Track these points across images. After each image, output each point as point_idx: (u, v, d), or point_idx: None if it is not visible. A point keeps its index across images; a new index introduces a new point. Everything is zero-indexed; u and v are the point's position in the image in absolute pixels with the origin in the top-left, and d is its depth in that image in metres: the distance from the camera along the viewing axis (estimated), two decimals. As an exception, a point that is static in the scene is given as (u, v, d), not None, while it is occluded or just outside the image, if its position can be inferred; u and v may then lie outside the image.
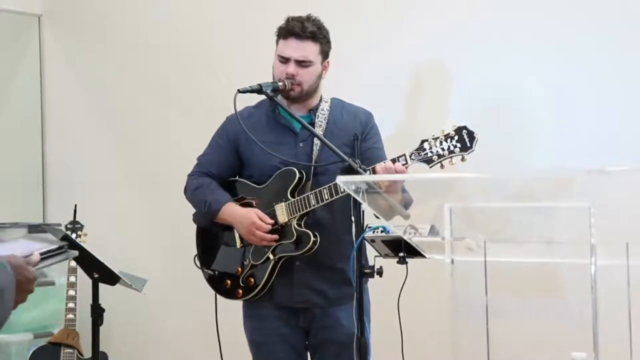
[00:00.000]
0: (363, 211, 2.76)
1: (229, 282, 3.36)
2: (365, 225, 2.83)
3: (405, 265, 2.82)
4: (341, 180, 2.68)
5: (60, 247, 2.37)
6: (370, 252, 3.03)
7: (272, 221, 3.25)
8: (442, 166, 2.98)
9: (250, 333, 3.40)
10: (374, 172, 3.02)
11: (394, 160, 3.04)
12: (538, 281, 2.80)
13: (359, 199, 2.61)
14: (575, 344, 2.25)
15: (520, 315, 2.43)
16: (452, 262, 2.44)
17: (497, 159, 3.79)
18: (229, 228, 3.36)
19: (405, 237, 2.67)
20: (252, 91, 3.19)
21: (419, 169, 3.04)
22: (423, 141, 3.02)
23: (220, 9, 4.77)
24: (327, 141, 3.15)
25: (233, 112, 3.14)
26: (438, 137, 2.99)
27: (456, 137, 2.96)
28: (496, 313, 2.40)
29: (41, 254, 2.30)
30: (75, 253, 2.51)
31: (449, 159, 2.98)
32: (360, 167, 3.00)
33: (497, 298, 2.41)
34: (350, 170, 2.99)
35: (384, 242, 2.81)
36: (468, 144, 2.95)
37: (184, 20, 4.91)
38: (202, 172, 3.41)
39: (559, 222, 2.33)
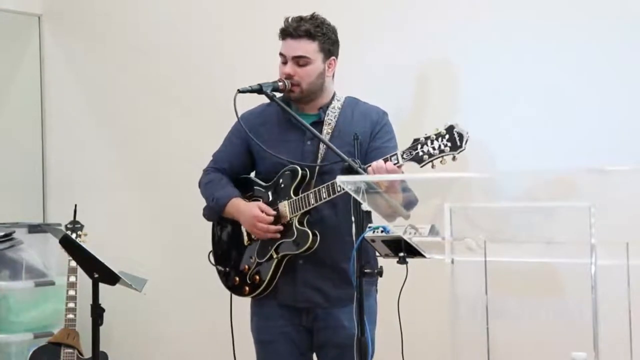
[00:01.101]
0: (367, 212, 2.76)
1: (237, 279, 3.39)
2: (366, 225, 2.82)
3: (405, 265, 2.81)
4: (341, 180, 2.68)
5: (6, 235, 2.38)
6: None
7: (274, 212, 3.26)
8: (432, 165, 2.98)
9: (255, 331, 3.42)
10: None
11: (386, 160, 3.04)
12: (538, 281, 2.80)
13: (358, 198, 2.61)
14: (575, 343, 2.25)
15: (520, 315, 2.43)
16: (452, 262, 2.44)
17: (497, 159, 3.79)
18: (238, 225, 3.39)
19: (405, 237, 2.66)
20: (252, 91, 3.21)
21: (411, 168, 3.04)
22: (415, 140, 3.01)
23: (221, 8, 4.77)
24: (326, 140, 3.17)
25: (238, 112, 3.17)
26: (430, 136, 2.99)
27: (447, 136, 2.95)
28: (496, 313, 2.40)
29: None
30: (22, 242, 2.51)
31: (440, 158, 2.97)
32: (360, 167, 3.00)
33: (497, 298, 2.40)
34: (350, 170, 2.99)
35: (384, 242, 2.80)
36: (458, 143, 2.94)
37: (184, 20, 4.91)
38: (216, 167, 3.47)
39: (559, 222, 2.32)
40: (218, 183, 3.41)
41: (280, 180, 3.30)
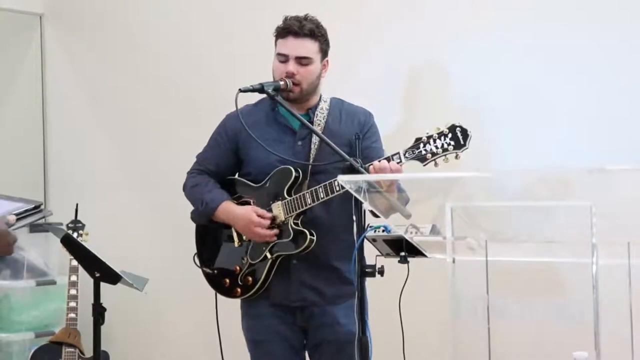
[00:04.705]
0: (364, 211, 2.77)
1: (227, 280, 3.36)
2: (366, 225, 2.83)
3: (406, 265, 2.82)
4: (343, 179, 2.69)
5: (36, 207, 2.34)
6: (368, 251, 3.02)
7: (270, 215, 3.25)
8: (436, 164, 2.99)
9: (247, 331, 3.40)
10: (367, 171, 3.02)
11: (388, 159, 3.05)
12: (539, 281, 2.80)
13: (360, 198, 2.62)
14: (576, 343, 2.25)
15: (522, 314, 2.44)
16: (454, 261, 2.44)
17: (497, 159, 3.79)
18: (228, 226, 3.36)
19: (407, 237, 2.67)
20: (253, 90, 3.20)
21: (413, 167, 3.04)
22: (417, 139, 3.02)
23: (221, 8, 4.77)
24: (328, 141, 3.15)
25: (233, 110, 3.15)
26: (432, 135, 2.99)
27: (450, 135, 2.96)
28: (497, 312, 2.41)
29: (17, 214, 2.27)
30: (51, 212, 2.48)
31: (443, 157, 2.98)
32: (361, 167, 3.01)
33: (498, 297, 2.41)
34: (351, 170, 2.99)
35: (386, 241, 2.81)
36: (462, 142, 2.95)
37: (185, 20, 4.92)
38: (201, 169, 3.43)
39: (560, 221, 2.33)
40: (205, 186, 3.37)
41: (273, 181, 3.28)
